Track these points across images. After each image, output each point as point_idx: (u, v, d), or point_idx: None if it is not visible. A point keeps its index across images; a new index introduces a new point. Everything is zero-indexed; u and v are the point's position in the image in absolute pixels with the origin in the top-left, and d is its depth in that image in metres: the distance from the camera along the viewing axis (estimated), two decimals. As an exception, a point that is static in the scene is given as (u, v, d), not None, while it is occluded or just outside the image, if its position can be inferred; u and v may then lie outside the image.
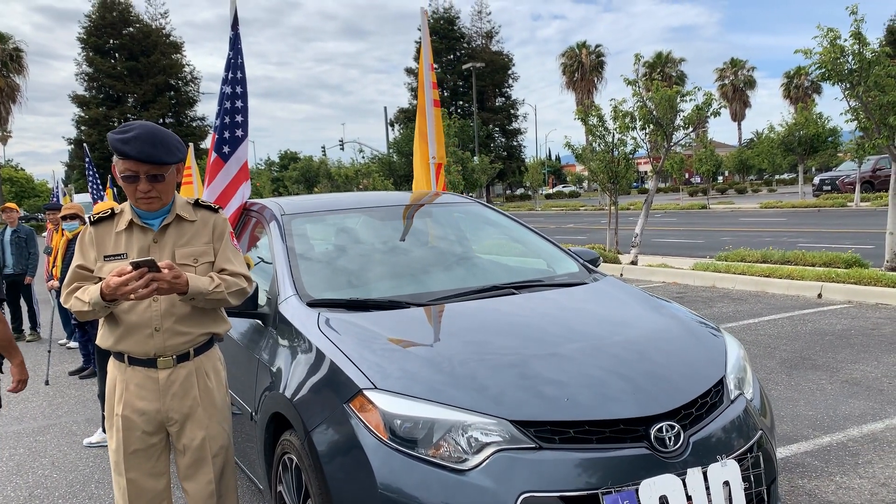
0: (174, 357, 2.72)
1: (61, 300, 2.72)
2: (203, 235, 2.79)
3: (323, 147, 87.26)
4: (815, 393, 5.36)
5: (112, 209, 2.77)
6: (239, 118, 4.69)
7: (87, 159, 13.61)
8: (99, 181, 12.57)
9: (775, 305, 8.93)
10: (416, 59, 55.48)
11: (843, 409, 4.98)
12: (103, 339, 2.76)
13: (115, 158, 2.63)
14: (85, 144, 17.09)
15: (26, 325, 10.19)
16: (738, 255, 12.02)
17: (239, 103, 4.69)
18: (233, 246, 2.87)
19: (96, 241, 2.71)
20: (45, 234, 14.44)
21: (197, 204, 2.85)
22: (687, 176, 55.34)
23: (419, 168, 6.58)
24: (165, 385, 2.72)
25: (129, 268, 2.44)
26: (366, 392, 2.53)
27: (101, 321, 2.77)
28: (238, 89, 4.70)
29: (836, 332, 7.27)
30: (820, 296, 9.25)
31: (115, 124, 54.31)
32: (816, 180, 34.84)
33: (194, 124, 59.63)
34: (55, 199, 12.71)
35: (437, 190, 6.48)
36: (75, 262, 2.72)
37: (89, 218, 2.80)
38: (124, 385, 2.73)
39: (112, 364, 2.80)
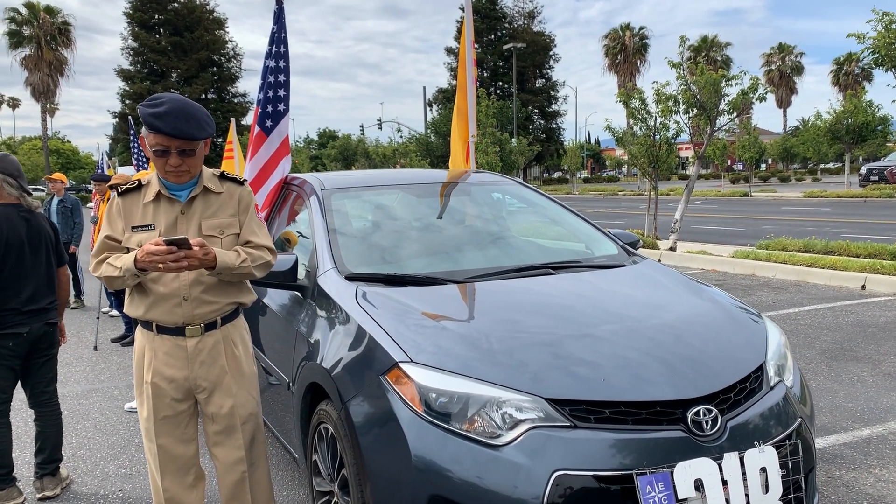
0: (202, 325, 2.78)
1: (90, 269, 2.74)
2: (229, 207, 2.83)
3: (361, 126, 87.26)
4: (855, 385, 5.26)
5: (139, 180, 2.78)
6: (281, 92, 4.71)
7: (131, 132, 13.85)
8: (143, 155, 12.78)
9: (817, 296, 8.76)
10: (457, 38, 55.17)
11: (884, 401, 4.88)
12: (132, 308, 2.80)
13: (144, 130, 2.66)
14: (130, 118, 17.38)
15: (70, 292, 10.44)
16: (780, 244, 11.79)
17: (282, 77, 4.71)
18: (257, 219, 2.92)
19: (124, 212, 2.74)
20: (90, 204, 14.74)
21: (223, 176, 2.88)
22: (729, 162, 54.34)
23: (457, 146, 6.55)
24: (193, 353, 2.78)
25: (163, 243, 2.49)
26: (402, 365, 2.55)
27: (127, 290, 2.81)
28: (281, 63, 4.71)
29: (879, 324, 7.11)
30: (864, 287, 9.04)
31: (159, 99, 55.04)
32: (863, 170, 33.89)
33: (236, 100, 60.19)
34: (100, 171, 12.97)
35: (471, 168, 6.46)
36: (103, 232, 2.75)
37: (116, 189, 2.80)
38: (153, 353, 2.79)
39: (140, 333, 2.85)
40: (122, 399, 5.68)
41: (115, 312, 9.18)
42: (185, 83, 56.51)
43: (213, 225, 2.78)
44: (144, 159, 12.90)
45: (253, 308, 4.11)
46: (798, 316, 7.63)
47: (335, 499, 2.92)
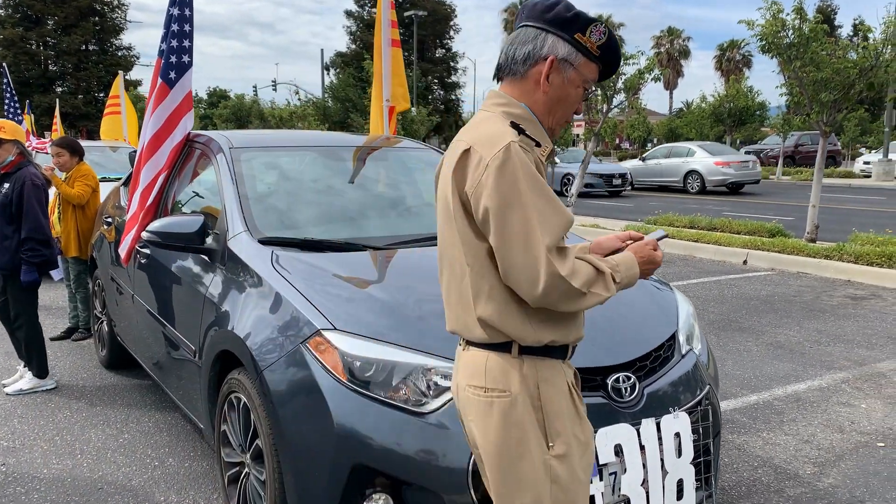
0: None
1: (561, 272, 1.61)
2: None
3: (255, 87, 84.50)
4: (742, 354, 5.58)
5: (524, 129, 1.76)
6: (186, 43, 4.42)
7: (5, 81, 12.77)
8: (17, 104, 11.84)
9: (703, 269, 9.22)
10: (357, 1, 54.02)
11: (768, 369, 5.20)
12: (539, 330, 1.74)
13: (574, 55, 1.77)
14: (4, 66, 16.02)
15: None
16: (667, 220, 12.34)
17: (187, 27, 4.42)
18: None
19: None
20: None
21: None
22: (618, 141, 56.21)
23: (375, 110, 6.40)
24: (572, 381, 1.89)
25: (654, 238, 1.90)
26: (324, 332, 2.47)
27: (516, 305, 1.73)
28: (186, 11, 4.42)
29: (760, 297, 7.57)
30: (745, 262, 9.60)
31: (34, 47, 51.01)
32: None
33: (119, 53, 56.51)
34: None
35: (390, 134, 6.35)
36: (554, 198, 1.68)
37: (521, 131, 1.74)
38: (567, 392, 1.81)
39: (537, 365, 1.76)
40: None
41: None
42: (63, 32, 52.55)
43: None
44: (19, 112, 11.94)
45: (155, 273, 3.89)
46: (686, 288, 8.00)
47: (246, 469, 2.82)
